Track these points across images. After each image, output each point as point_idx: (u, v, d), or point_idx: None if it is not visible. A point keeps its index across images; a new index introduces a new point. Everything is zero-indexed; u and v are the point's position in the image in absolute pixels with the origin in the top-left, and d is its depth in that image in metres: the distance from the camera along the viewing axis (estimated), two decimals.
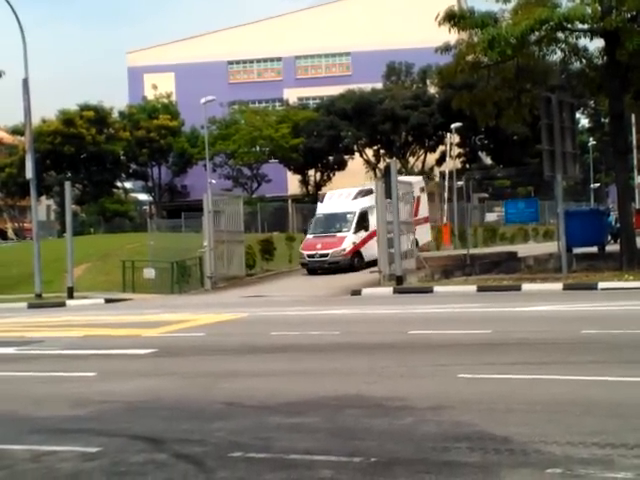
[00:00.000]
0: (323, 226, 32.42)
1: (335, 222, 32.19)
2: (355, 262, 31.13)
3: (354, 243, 31.31)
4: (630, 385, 8.01)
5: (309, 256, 31.36)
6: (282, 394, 8.32)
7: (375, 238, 28.36)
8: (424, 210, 35.68)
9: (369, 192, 30.92)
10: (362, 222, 31.72)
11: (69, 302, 26.49)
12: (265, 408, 7.67)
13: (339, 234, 31.63)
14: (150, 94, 72.27)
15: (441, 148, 67.55)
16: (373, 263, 28.75)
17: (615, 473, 5.08)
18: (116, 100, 76.23)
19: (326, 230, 31.93)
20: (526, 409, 7.13)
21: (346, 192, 33.79)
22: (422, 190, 36.18)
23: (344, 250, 31.14)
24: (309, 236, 32.37)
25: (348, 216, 32.04)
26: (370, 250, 30.12)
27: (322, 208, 33.28)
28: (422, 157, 68.80)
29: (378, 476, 5.35)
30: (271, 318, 17.50)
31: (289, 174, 70.35)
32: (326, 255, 31.02)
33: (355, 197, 32.51)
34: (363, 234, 31.55)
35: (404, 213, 28.50)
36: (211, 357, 11.57)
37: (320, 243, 31.22)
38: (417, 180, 35.99)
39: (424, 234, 34.68)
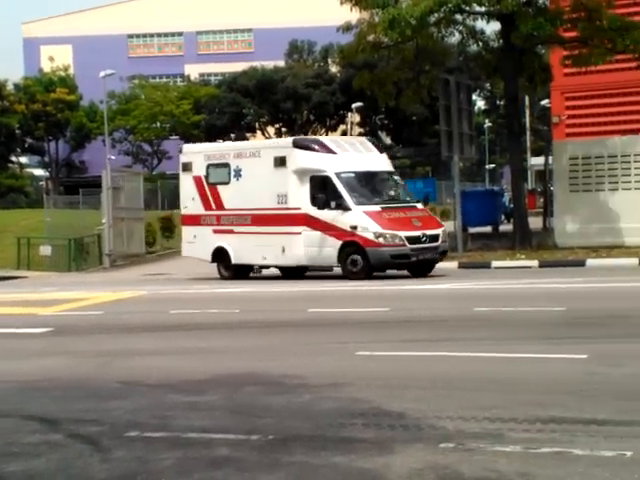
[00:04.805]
0: (375, 193, 19.97)
1: (387, 187, 20.65)
2: None
3: None
4: (520, 361, 8.26)
5: (412, 240, 18.49)
6: (180, 372, 8.29)
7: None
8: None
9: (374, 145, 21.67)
10: None
11: None
12: (163, 386, 7.62)
13: (417, 205, 20.48)
14: (47, 66, 70.33)
15: (342, 127, 67.87)
16: None
17: (504, 447, 5.24)
18: (11, 72, 74.09)
19: (388, 199, 19.89)
20: (421, 385, 7.28)
21: (357, 141, 22.17)
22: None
23: (444, 231, 19.89)
24: (370, 208, 18.89)
25: (396, 178, 21.26)
26: None
27: (341, 163, 19.42)
28: (323, 136, 69.11)
29: (275, 453, 5.38)
30: (171, 296, 17.37)
31: None
32: (436, 238, 19.08)
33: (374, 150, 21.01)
34: None
35: None
36: (109, 336, 11.42)
37: (415, 218, 19.29)
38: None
39: None
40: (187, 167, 21.85)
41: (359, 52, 25.91)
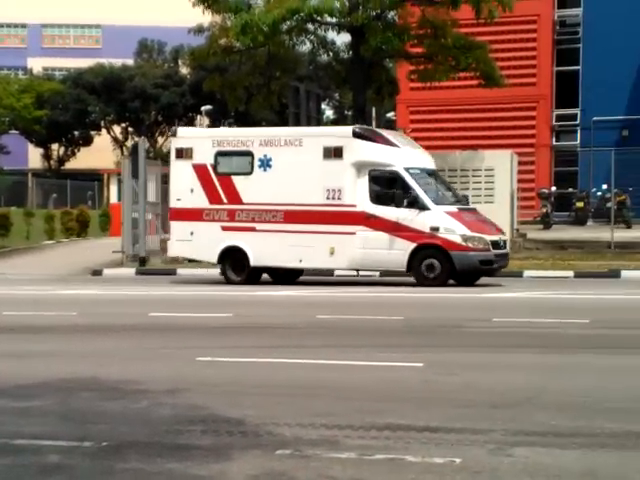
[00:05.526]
0: (441, 192, 18.25)
1: (445, 186, 19.00)
2: None
3: None
4: (359, 369, 8.39)
5: (494, 245, 17.14)
6: (11, 377, 7.96)
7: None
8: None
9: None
10: None
11: None
12: None
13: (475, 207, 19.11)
14: None
15: None
16: None
17: (340, 453, 5.30)
18: None
19: (456, 200, 18.42)
20: (261, 392, 7.28)
21: (404, 135, 21.35)
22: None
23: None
24: (450, 208, 17.50)
25: (445, 178, 20.57)
26: None
27: (406, 158, 17.79)
28: None
29: (108, 460, 5.26)
30: (3, 297, 16.69)
31: (30, 147, 67.32)
32: (506, 244, 18.16)
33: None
34: None
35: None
36: None
37: (488, 223, 17.96)
38: None
39: None
40: (185, 154, 18.76)
41: (210, 55, 25.77)
